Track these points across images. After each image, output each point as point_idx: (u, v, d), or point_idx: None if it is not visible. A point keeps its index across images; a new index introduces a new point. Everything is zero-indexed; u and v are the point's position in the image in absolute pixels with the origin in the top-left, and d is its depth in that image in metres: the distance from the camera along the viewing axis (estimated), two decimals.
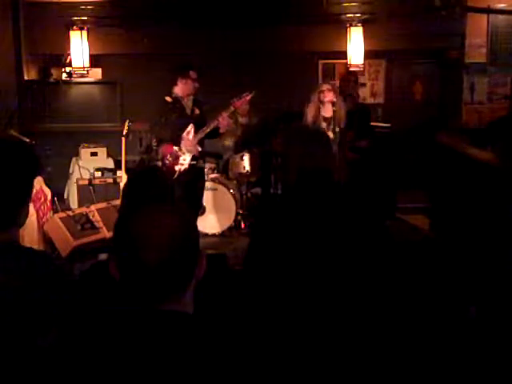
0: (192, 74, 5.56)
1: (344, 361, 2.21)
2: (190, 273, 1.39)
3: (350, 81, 6.68)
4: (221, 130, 5.67)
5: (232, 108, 5.63)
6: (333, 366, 2.19)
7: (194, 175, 5.70)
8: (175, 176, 5.54)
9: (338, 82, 7.01)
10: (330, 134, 5.13)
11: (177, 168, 5.55)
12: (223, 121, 5.54)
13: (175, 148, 5.57)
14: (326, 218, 2.36)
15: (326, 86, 5.21)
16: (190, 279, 1.40)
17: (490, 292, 2.28)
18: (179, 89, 5.58)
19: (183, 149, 5.56)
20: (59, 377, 1.32)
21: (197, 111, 5.71)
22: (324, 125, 5.12)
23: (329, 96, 5.11)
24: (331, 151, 4.89)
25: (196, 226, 1.47)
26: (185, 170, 5.58)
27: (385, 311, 2.30)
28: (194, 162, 5.63)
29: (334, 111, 5.07)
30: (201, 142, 5.68)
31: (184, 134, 5.57)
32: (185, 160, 5.56)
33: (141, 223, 1.37)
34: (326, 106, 5.08)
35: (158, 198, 2.21)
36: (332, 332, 2.24)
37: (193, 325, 1.35)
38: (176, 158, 5.55)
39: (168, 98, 5.57)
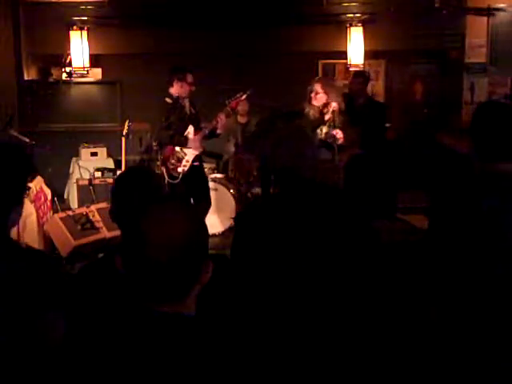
0: (188, 77, 5.59)
1: (332, 360, 2.21)
2: (194, 276, 1.38)
3: (358, 82, 6.74)
4: (218, 131, 5.73)
5: (228, 109, 5.67)
6: (323, 366, 2.19)
7: (196, 175, 5.76)
8: (179, 178, 5.59)
9: (337, 81, 7.04)
10: (325, 129, 5.20)
11: (180, 170, 5.60)
12: (221, 121, 5.59)
13: (177, 149, 5.61)
14: (308, 217, 2.35)
15: (317, 87, 5.24)
16: (194, 282, 1.38)
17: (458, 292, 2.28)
18: (175, 90, 5.61)
19: (191, 149, 5.60)
20: (60, 377, 1.33)
21: (192, 111, 5.77)
22: (326, 119, 5.20)
23: (321, 98, 5.18)
24: (315, 152, 4.95)
25: (206, 231, 1.45)
26: (188, 170, 5.62)
27: (370, 310, 2.30)
28: (197, 164, 5.68)
29: (333, 110, 5.15)
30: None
31: (189, 136, 5.61)
32: (188, 162, 5.61)
33: (151, 221, 1.36)
34: (321, 104, 5.17)
35: (147, 196, 2.21)
36: (322, 332, 2.24)
37: (193, 327, 1.34)
38: (178, 160, 5.59)
39: (168, 100, 5.60)
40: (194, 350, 1.29)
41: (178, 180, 5.61)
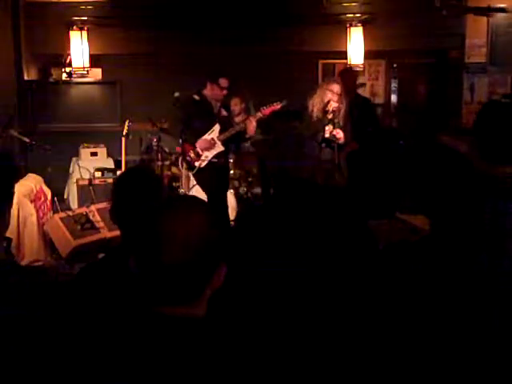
0: (222, 81, 5.55)
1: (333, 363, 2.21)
2: (207, 280, 1.35)
3: (349, 78, 6.73)
4: (247, 135, 5.72)
5: (260, 114, 5.65)
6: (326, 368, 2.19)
7: (216, 174, 5.74)
8: (194, 171, 5.64)
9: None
10: (331, 128, 5.19)
11: (197, 164, 5.62)
12: (250, 125, 5.57)
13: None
14: (305, 218, 2.35)
15: (336, 88, 5.25)
16: (206, 286, 1.36)
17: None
18: (207, 91, 5.64)
19: (198, 148, 5.61)
20: (63, 377, 1.32)
21: (223, 113, 5.77)
22: (328, 118, 5.20)
23: (334, 99, 5.19)
24: (314, 152, 4.95)
25: (223, 235, 1.41)
26: (205, 166, 5.63)
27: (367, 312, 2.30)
28: (215, 160, 5.68)
29: (333, 110, 5.17)
30: (225, 143, 5.73)
31: (206, 135, 5.62)
32: (207, 157, 5.62)
33: (167, 221, 1.33)
34: (330, 103, 5.18)
35: (147, 196, 2.21)
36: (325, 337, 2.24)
37: (202, 330, 1.32)
38: (197, 155, 5.60)
39: (196, 97, 5.61)
40: (203, 353, 1.27)
41: (193, 172, 5.68)
